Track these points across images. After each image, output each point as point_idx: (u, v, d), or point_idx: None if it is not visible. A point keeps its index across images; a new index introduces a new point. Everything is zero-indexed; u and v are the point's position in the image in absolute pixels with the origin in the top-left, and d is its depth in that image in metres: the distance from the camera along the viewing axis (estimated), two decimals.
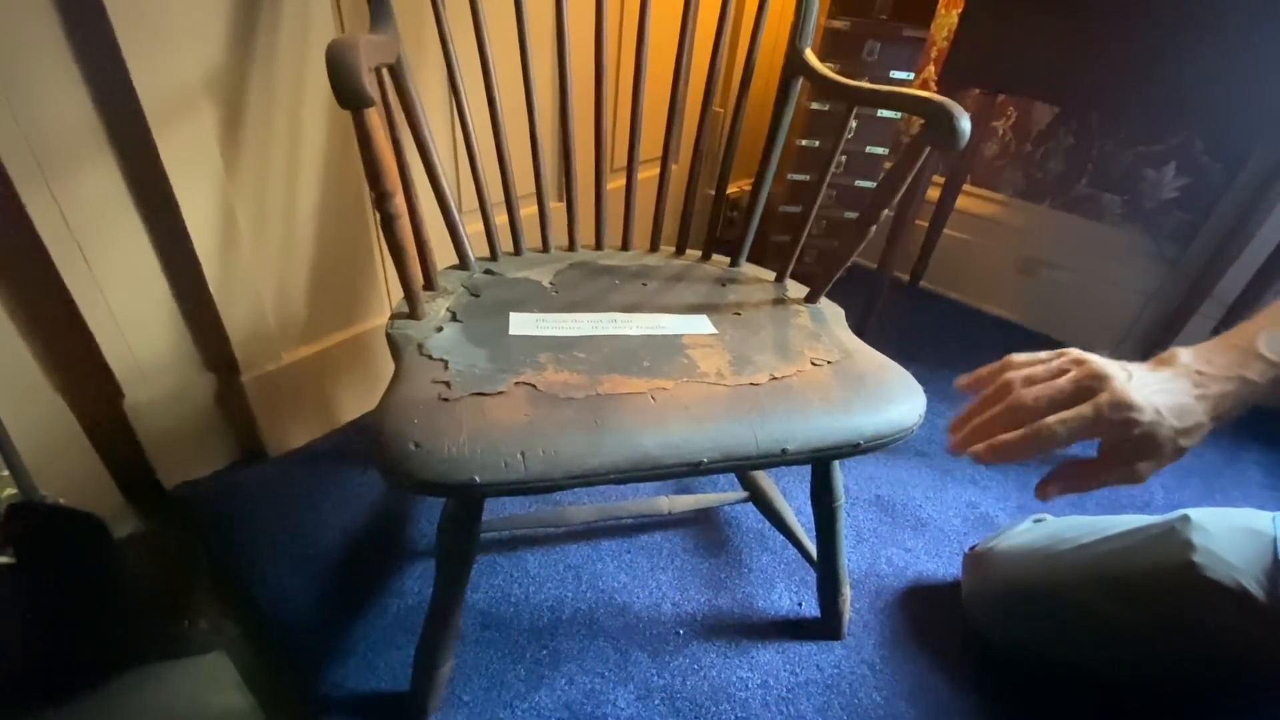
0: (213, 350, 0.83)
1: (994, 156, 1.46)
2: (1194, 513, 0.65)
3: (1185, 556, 0.62)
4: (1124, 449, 0.45)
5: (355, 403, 1.03)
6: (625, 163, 0.78)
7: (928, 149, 0.58)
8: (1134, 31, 0.89)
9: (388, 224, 0.52)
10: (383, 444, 0.46)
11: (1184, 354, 0.48)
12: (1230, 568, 0.60)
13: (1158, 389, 0.45)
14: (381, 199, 0.51)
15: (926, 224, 1.52)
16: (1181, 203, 1.29)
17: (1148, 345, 1.38)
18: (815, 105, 1.31)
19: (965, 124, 0.55)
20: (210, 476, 0.90)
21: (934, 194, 1.48)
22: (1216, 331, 0.99)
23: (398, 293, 1.00)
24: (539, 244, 0.80)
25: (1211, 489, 1.09)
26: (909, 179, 0.60)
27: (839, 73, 1.30)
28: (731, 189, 1.69)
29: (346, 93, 0.42)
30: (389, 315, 0.61)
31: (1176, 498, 1.07)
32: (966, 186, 1.49)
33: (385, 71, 0.59)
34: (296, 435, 0.96)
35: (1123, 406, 0.44)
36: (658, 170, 0.80)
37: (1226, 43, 0.84)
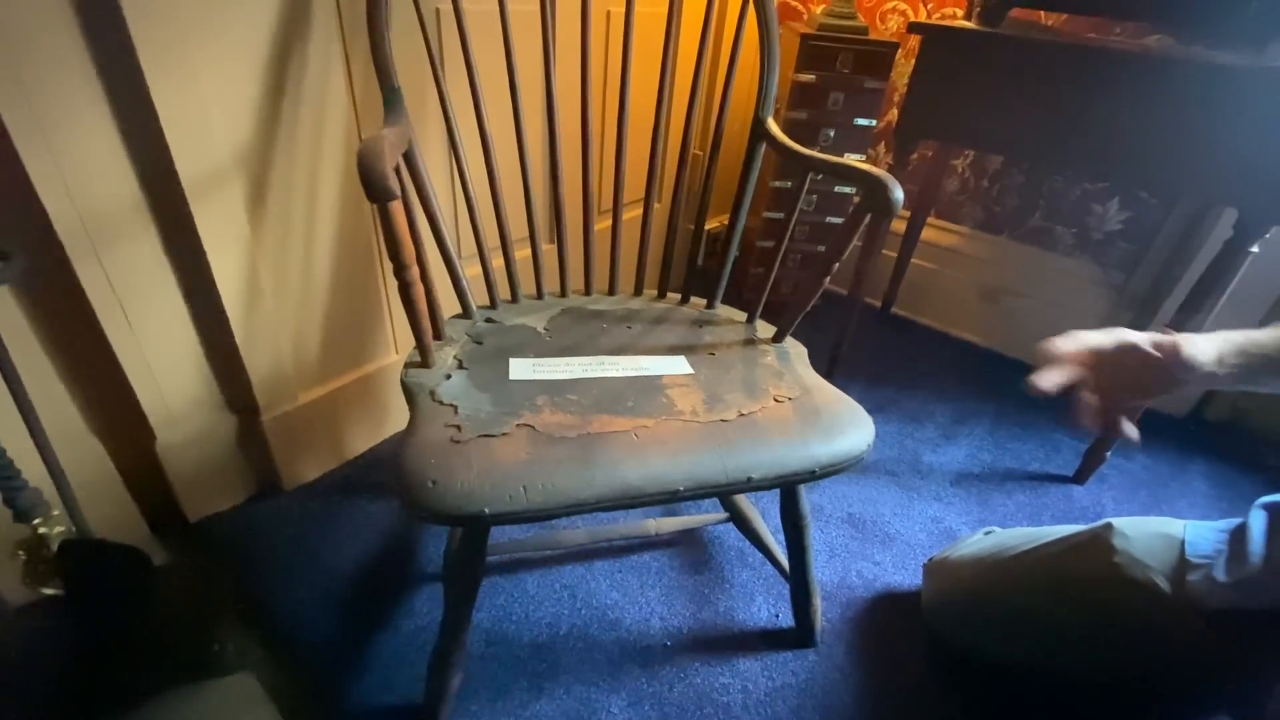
0: (236, 394, 0.91)
1: (955, 192, 1.57)
2: (1117, 521, 0.74)
3: (1107, 559, 0.70)
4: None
5: (363, 437, 1.10)
6: (611, 205, 0.87)
7: (868, 215, 0.67)
8: (1064, 93, 0.99)
9: (404, 290, 0.61)
10: (404, 481, 0.54)
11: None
12: (1145, 567, 0.69)
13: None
14: (399, 270, 0.59)
15: (895, 254, 1.62)
16: (1125, 234, 1.40)
17: None
18: None
19: (898, 195, 0.64)
20: (231, 510, 0.97)
21: (900, 226, 1.59)
22: None
23: (402, 335, 1.08)
24: (533, 290, 0.88)
25: (1159, 499, 1.18)
26: (853, 240, 0.69)
27: (807, 121, 1.42)
28: (713, 224, 1.79)
29: (375, 191, 0.51)
30: (403, 363, 0.70)
31: (1126, 509, 1.16)
32: (931, 220, 1.60)
33: (400, 157, 0.68)
34: (310, 469, 1.03)
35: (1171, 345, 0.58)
36: (641, 211, 0.88)
37: (1148, 105, 0.94)
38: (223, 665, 0.78)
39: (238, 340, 0.85)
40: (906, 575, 0.98)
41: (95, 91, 0.66)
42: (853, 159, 1.43)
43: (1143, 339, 0.60)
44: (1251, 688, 0.63)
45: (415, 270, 0.60)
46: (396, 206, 0.54)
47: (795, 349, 0.81)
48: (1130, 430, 0.61)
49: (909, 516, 1.08)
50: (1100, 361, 0.61)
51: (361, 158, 0.51)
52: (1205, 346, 0.58)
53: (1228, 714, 0.68)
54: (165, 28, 0.66)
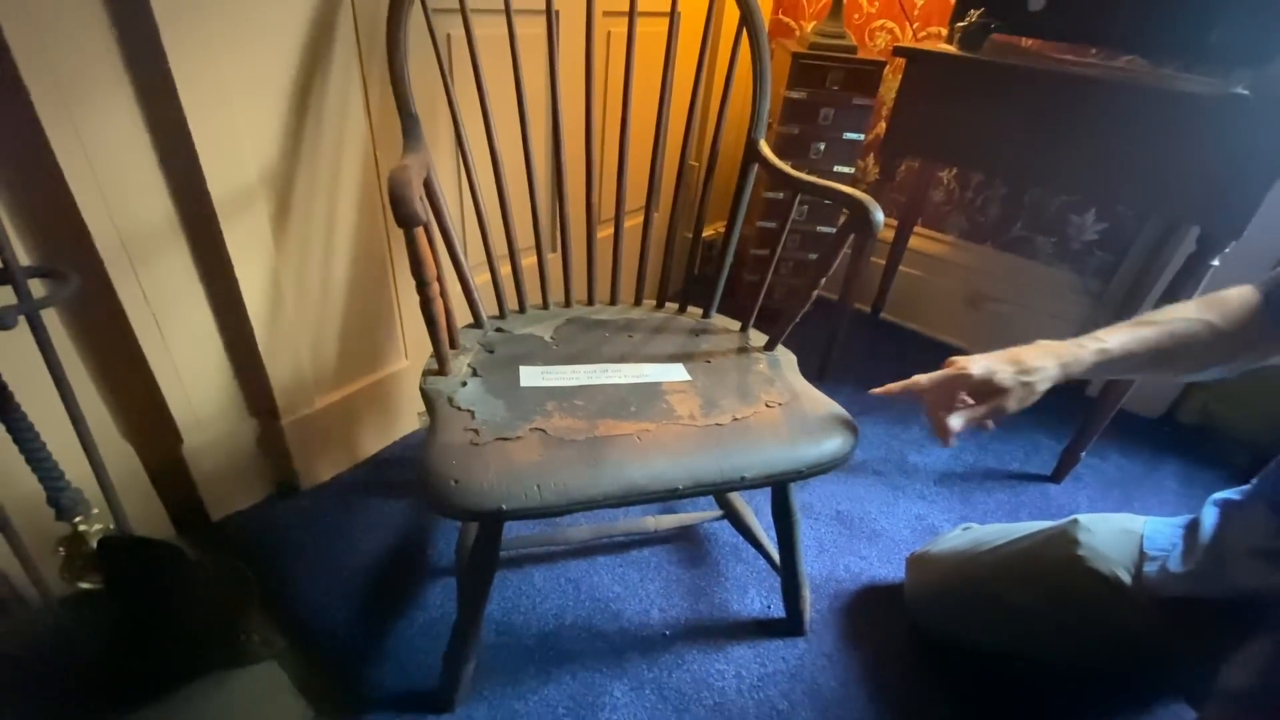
0: (257, 399, 0.96)
1: (941, 202, 1.63)
2: (1083, 517, 0.80)
3: (1072, 552, 0.76)
4: (980, 393, 0.66)
5: (375, 439, 1.15)
6: (613, 214, 0.92)
7: (851, 234, 0.73)
8: (1040, 115, 1.05)
9: (426, 305, 0.66)
10: (429, 481, 0.59)
11: (1042, 343, 0.69)
12: (1107, 560, 0.75)
13: (999, 360, 0.66)
14: (422, 286, 0.65)
15: (884, 262, 1.68)
16: (1102, 244, 1.47)
17: None
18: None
19: (878, 217, 0.70)
20: (251, 508, 1.02)
21: (889, 235, 1.65)
22: None
23: (412, 342, 1.13)
24: (539, 299, 0.94)
25: (1131, 497, 1.25)
26: (838, 258, 0.75)
27: (799, 135, 1.47)
28: (710, 232, 1.85)
29: (404, 218, 0.56)
30: (414, 368, 0.75)
31: (1100, 506, 1.22)
32: (918, 229, 1.66)
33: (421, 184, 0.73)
34: (326, 469, 1.08)
35: (959, 378, 0.66)
36: (642, 219, 0.93)
37: (1118, 127, 1.00)
38: (249, 655, 0.83)
39: (261, 348, 0.90)
40: (891, 569, 1.03)
41: (136, 119, 0.71)
42: (842, 170, 1.49)
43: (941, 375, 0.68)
44: (1200, 669, 0.69)
45: (436, 287, 0.66)
46: (421, 231, 0.60)
47: (785, 357, 0.86)
48: (952, 425, 0.66)
49: (894, 514, 1.14)
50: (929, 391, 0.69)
51: (392, 188, 0.56)
52: (993, 364, 0.66)
53: (1181, 694, 0.74)
54: (201, 58, 0.71)
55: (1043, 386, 0.66)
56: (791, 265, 1.62)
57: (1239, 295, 0.67)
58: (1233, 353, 0.66)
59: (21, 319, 0.60)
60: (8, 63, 0.61)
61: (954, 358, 0.69)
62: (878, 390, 0.72)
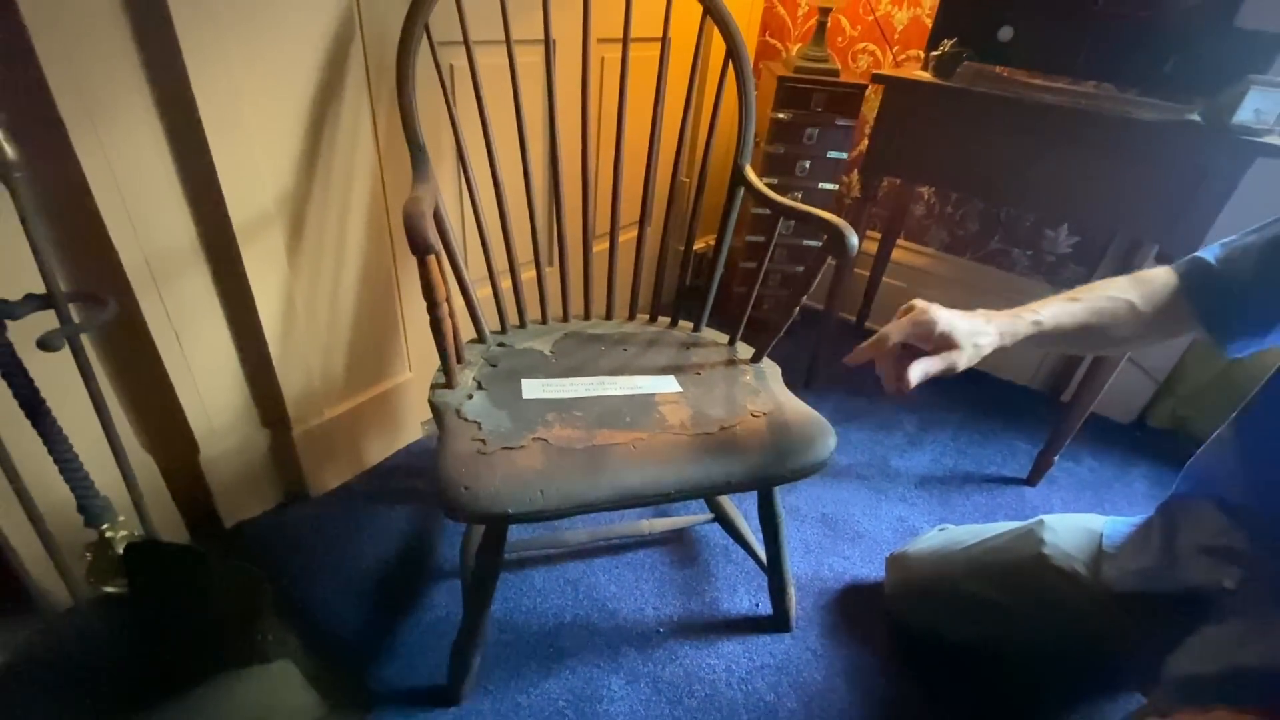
0: (270, 411, 1.01)
1: (922, 216, 1.70)
2: (1048, 518, 0.86)
3: (1037, 550, 0.82)
4: (938, 344, 0.64)
5: (380, 448, 1.20)
6: (608, 229, 0.97)
7: (828, 258, 0.78)
8: (1009, 140, 1.12)
9: (436, 325, 0.71)
10: (443, 487, 0.64)
11: (982, 310, 0.69)
12: (1068, 557, 0.80)
13: (958, 316, 0.66)
14: (432, 307, 0.70)
15: (868, 273, 1.75)
16: (1075, 257, 1.54)
17: (1055, 378, 1.61)
18: (767, 180, 1.53)
19: (853, 241, 0.76)
20: (263, 515, 1.06)
21: (872, 247, 1.72)
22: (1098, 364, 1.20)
23: (416, 354, 1.18)
24: (538, 314, 0.99)
25: (1102, 499, 1.31)
26: (816, 280, 0.81)
27: (785, 154, 1.54)
28: (700, 245, 1.91)
29: (419, 247, 0.61)
30: (417, 380, 0.80)
31: (1073, 507, 1.28)
32: (900, 241, 1.73)
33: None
34: (333, 477, 1.13)
35: (928, 321, 0.65)
36: (635, 234, 0.98)
37: (1082, 152, 1.07)
38: (264, 654, 0.87)
39: (274, 362, 0.95)
40: (873, 568, 1.09)
41: (163, 152, 0.76)
42: (826, 187, 1.55)
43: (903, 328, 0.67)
44: (1152, 660, 0.74)
45: (445, 308, 0.71)
46: (433, 258, 0.65)
47: (771, 368, 0.92)
48: (911, 376, 0.64)
49: (877, 516, 1.20)
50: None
51: (408, 221, 0.61)
52: (953, 318, 0.65)
53: (1133, 683, 0.80)
54: (224, 93, 0.76)
55: (987, 351, 0.66)
56: (779, 278, 1.68)
57: (1159, 277, 0.70)
58: (1148, 331, 0.70)
59: None
60: (49, 103, 0.66)
61: (914, 301, 0.68)
62: (849, 359, 0.71)
